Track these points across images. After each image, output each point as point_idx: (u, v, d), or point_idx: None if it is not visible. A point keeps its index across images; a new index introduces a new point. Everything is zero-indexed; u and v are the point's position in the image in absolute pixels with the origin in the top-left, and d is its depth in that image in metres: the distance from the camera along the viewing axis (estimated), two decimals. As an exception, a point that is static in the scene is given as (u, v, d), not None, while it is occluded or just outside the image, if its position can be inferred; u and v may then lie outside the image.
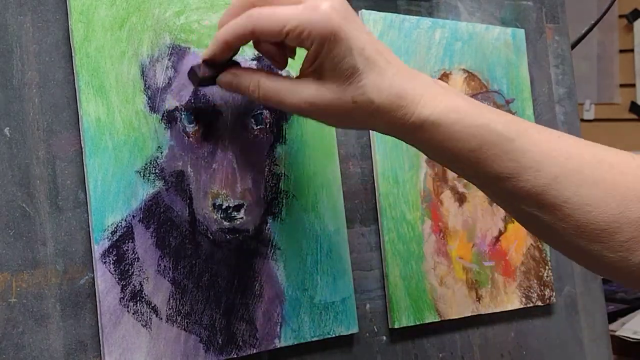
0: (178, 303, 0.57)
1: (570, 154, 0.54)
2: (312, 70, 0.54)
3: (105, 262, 0.54)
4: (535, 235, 0.59)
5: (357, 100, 0.53)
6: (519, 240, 0.81)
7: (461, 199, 0.77)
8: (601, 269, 0.59)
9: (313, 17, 0.51)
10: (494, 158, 0.53)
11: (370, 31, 0.55)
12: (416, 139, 0.55)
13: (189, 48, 0.60)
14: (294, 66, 0.59)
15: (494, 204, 0.79)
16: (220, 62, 0.56)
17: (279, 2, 0.53)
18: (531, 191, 0.53)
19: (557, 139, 0.55)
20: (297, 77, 0.56)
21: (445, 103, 0.54)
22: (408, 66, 0.56)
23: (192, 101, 0.60)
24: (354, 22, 0.53)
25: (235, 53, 0.57)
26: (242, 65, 0.63)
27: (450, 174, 0.76)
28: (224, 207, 0.60)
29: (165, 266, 0.57)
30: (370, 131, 0.71)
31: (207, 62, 0.56)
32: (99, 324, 0.54)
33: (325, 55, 0.52)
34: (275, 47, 0.57)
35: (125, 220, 0.56)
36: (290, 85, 0.54)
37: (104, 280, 0.54)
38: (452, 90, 0.57)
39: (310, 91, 0.54)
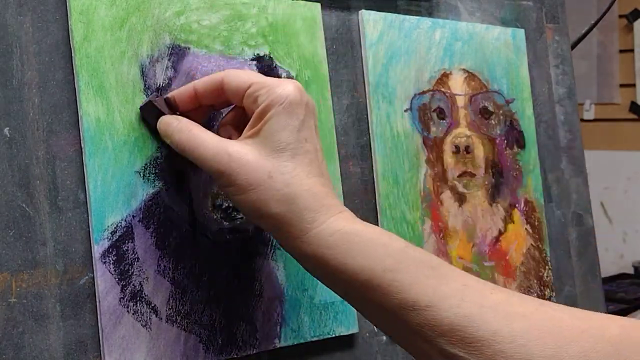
0: (178, 303, 0.57)
1: (495, 290, 0.49)
2: (248, 135, 0.53)
3: (105, 262, 0.54)
4: None
5: (273, 176, 0.51)
6: (519, 240, 0.81)
7: (461, 199, 0.77)
8: None
9: (278, 84, 0.53)
10: (411, 282, 0.48)
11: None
12: (317, 253, 0.50)
13: (189, 48, 0.60)
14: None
15: (494, 204, 0.79)
16: (178, 108, 0.56)
17: None
18: (454, 322, 0.46)
19: (480, 280, 0.50)
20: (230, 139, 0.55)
21: (363, 224, 0.51)
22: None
23: (192, 101, 0.60)
24: (312, 119, 0.53)
25: (202, 112, 0.57)
26: (242, 65, 0.63)
27: (451, 174, 0.76)
28: (224, 207, 0.60)
29: (165, 266, 0.57)
30: (370, 131, 0.71)
31: (167, 100, 0.56)
32: (99, 324, 0.54)
33: (269, 118, 0.52)
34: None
35: (125, 220, 0.56)
36: (219, 138, 0.53)
37: (104, 280, 0.54)
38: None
39: (235, 147, 0.52)
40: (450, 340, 0.46)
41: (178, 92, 0.56)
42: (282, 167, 0.51)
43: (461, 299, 0.47)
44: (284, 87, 0.52)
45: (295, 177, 0.51)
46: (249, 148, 0.52)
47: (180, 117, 0.55)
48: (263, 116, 0.52)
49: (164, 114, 0.56)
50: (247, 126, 0.53)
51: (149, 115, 0.57)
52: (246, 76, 0.54)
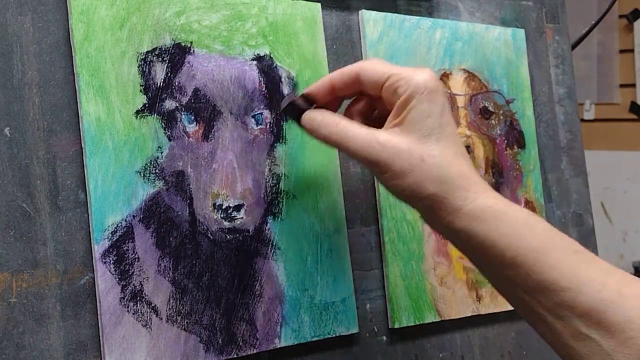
0: (178, 303, 0.57)
1: (635, 279, 0.51)
2: (394, 125, 0.56)
3: (105, 262, 0.54)
4: None
5: (425, 159, 0.54)
6: (519, 240, 0.81)
7: (461, 199, 0.76)
8: None
9: (416, 74, 0.55)
10: (554, 264, 0.50)
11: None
12: (468, 229, 0.53)
13: (189, 48, 0.60)
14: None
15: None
16: (316, 102, 0.59)
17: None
18: (592, 307, 0.49)
19: (614, 267, 0.52)
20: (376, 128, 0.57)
21: (509, 202, 0.54)
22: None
23: (192, 101, 0.60)
24: (447, 99, 0.56)
25: (337, 103, 0.61)
26: (242, 65, 0.63)
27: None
28: (224, 207, 0.60)
29: (165, 266, 0.57)
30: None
31: (305, 96, 0.59)
32: (99, 324, 0.54)
33: (413, 107, 0.55)
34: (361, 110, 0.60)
35: (126, 220, 0.56)
36: (367, 128, 0.56)
37: (104, 280, 0.54)
38: None
39: (385, 136, 0.55)
40: (586, 322, 0.49)
41: (315, 87, 0.59)
42: (431, 150, 0.54)
43: (602, 285, 0.49)
44: (422, 76, 0.55)
45: (444, 159, 0.54)
46: (397, 136, 0.55)
47: (323, 111, 0.58)
48: (405, 106, 0.55)
49: (304, 110, 0.59)
50: (391, 116, 0.56)
51: (291, 113, 0.60)
52: (383, 68, 0.57)
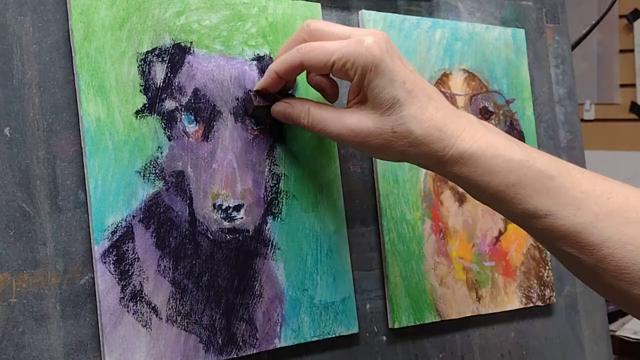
0: (178, 303, 0.57)
1: (613, 193, 0.54)
2: (357, 102, 0.58)
3: (105, 262, 0.54)
4: (579, 277, 0.58)
5: (396, 130, 0.56)
6: (519, 240, 0.81)
7: (461, 199, 0.77)
8: None
9: (357, 50, 0.55)
10: (532, 194, 0.54)
11: (415, 70, 0.59)
12: (453, 172, 0.56)
13: (189, 48, 0.60)
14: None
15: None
16: (272, 93, 0.61)
17: (328, 37, 0.58)
18: (570, 229, 0.53)
19: (602, 180, 0.55)
20: (343, 108, 0.59)
21: (485, 138, 0.56)
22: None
23: (192, 101, 0.60)
24: (396, 57, 0.57)
25: (290, 85, 0.63)
26: (242, 65, 0.63)
27: (450, 174, 0.76)
28: (224, 207, 0.60)
29: (165, 266, 0.57)
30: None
31: (260, 92, 0.61)
32: (99, 324, 0.54)
33: (367, 85, 0.56)
34: (326, 81, 0.62)
35: (125, 220, 0.56)
36: (336, 113, 0.58)
37: (104, 280, 0.54)
38: (494, 129, 0.59)
39: (353, 119, 0.57)
40: (566, 243, 0.53)
41: (264, 82, 0.60)
42: (399, 119, 0.56)
43: (577, 208, 0.53)
44: (367, 50, 0.55)
45: (414, 120, 0.56)
46: (363, 116, 0.57)
47: (290, 101, 0.61)
48: (361, 84, 0.56)
49: (268, 105, 0.61)
50: (351, 93, 0.58)
51: (258, 114, 0.62)
52: (324, 54, 0.57)
